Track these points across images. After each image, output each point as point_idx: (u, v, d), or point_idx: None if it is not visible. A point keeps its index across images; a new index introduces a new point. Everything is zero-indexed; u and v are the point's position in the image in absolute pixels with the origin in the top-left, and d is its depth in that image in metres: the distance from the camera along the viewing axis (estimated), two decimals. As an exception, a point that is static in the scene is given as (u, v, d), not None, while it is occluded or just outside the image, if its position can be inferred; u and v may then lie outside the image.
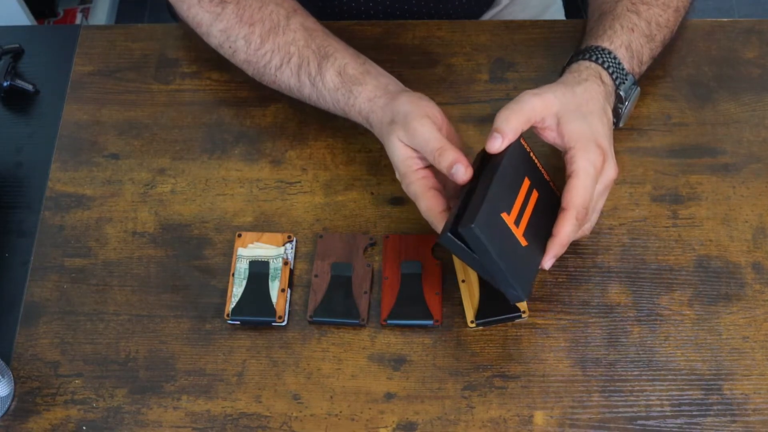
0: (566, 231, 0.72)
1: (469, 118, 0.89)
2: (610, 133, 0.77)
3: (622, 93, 0.81)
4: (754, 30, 0.93)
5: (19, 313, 0.82)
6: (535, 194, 0.74)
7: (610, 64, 0.80)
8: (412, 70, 0.92)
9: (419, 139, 0.74)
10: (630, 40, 0.82)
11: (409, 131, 0.75)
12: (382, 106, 0.79)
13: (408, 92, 0.79)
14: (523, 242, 0.71)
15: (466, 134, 0.88)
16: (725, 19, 0.94)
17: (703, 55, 0.91)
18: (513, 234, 0.71)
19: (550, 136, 0.75)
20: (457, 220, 0.70)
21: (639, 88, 0.84)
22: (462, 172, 0.72)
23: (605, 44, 0.81)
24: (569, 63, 0.82)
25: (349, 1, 1.00)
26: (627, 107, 0.83)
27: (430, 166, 0.76)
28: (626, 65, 0.81)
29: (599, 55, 0.80)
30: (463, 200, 0.71)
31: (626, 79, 0.81)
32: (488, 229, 0.68)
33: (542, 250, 0.73)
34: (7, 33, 0.99)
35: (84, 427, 0.76)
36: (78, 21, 1.94)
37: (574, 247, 0.81)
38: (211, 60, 0.92)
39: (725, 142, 0.86)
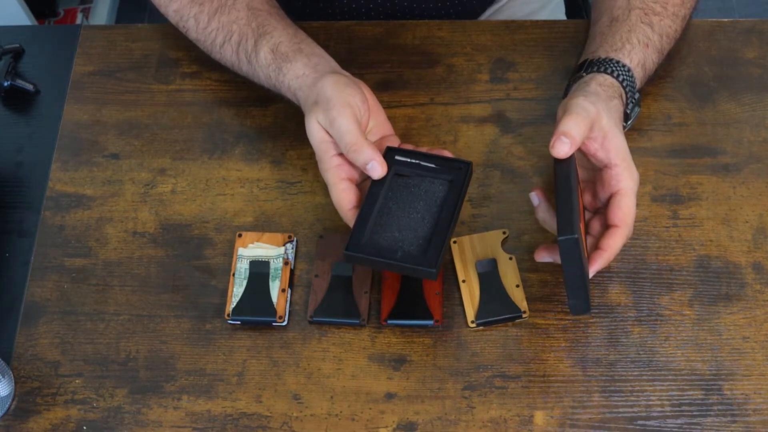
0: (618, 246, 0.73)
1: (470, 118, 0.89)
2: None
3: (629, 111, 0.81)
4: (754, 30, 0.93)
5: (20, 313, 0.82)
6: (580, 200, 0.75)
7: (628, 84, 0.80)
8: (412, 70, 0.92)
9: (335, 130, 0.75)
10: (645, 57, 0.82)
11: (328, 118, 0.75)
12: (309, 84, 0.79)
13: (335, 75, 0.79)
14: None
15: (467, 134, 0.88)
16: (725, 19, 0.94)
17: (704, 55, 0.91)
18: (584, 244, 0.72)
19: (592, 147, 0.74)
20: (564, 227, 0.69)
21: (640, 109, 0.84)
22: (378, 170, 0.74)
23: (626, 61, 0.80)
24: (590, 69, 0.80)
25: (350, 1, 1.00)
26: (628, 125, 0.83)
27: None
28: (638, 84, 0.81)
29: (621, 73, 0.79)
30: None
31: (634, 99, 0.81)
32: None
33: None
34: (7, 33, 0.99)
35: (84, 427, 0.76)
36: (78, 21, 1.94)
37: (575, 247, 0.81)
38: (211, 60, 0.92)
39: (725, 142, 0.86)
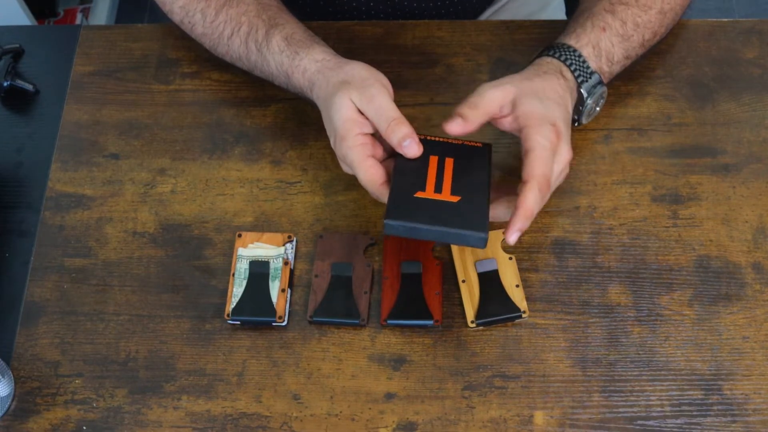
0: (529, 202, 0.71)
1: (469, 118, 0.89)
2: (568, 119, 0.78)
3: (583, 91, 0.81)
4: (754, 30, 0.93)
5: (19, 313, 0.82)
6: (449, 161, 0.76)
7: (573, 62, 0.80)
8: (412, 70, 0.92)
9: (375, 105, 0.74)
10: (599, 38, 0.82)
11: (366, 96, 0.75)
12: (331, 67, 0.79)
13: (359, 62, 0.80)
14: (454, 199, 0.73)
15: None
16: (725, 19, 0.94)
17: (704, 55, 0.91)
18: (438, 200, 0.72)
19: (506, 123, 0.77)
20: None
21: (605, 88, 0.83)
22: (414, 148, 0.74)
23: (571, 42, 0.82)
24: (539, 55, 0.82)
25: (350, 0, 1.00)
26: (588, 105, 0.82)
27: (370, 135, 0.76)
28: (593, 64, 0.81)
29: (562, 52, 0.81)
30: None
31: (590, 78, 0.81)
32: (406, 212, 0.71)
33: (481, 191, 0.74)
34: (7, 33, 0.99)
35: (84, 427, 0.76)
36: (78, 21, 1.94)
37: (575, 247, 0.81)
38: (211, 60, 0.92)
39: (725, 142, 0.86)
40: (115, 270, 0.83)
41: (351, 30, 0.95)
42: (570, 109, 0.79)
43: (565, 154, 0.75)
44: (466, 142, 0.78)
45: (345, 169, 0.78)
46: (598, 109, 0.85)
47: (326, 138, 0.89)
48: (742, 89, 0.89)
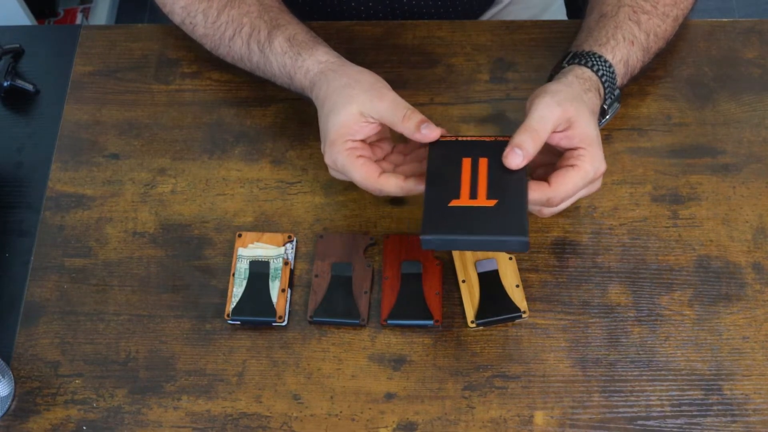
0: (534, 198, 0.73)
1: (470, 118, 0.89)
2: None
3: (606, 107, 0.82)
4: (754, 30, 0.93)
5: (19, 313, 0.82)
6: (483, 162, 0.74)
7: (607, 79, 0.80)
8: (412, 70, 0.92)
9: (387, 101, 0.75)
10: (629, 54, 0.82)
11: (376, 94, 0.75)
12: (335, 69, 0.80)
13: (364, 68, 0.80)
14: (490, 203, 0.70)
15: (467, 134, 0.88)
16: (725, 19, 0.94)
17: (704, 55, 0.91)
18: (474, 207, 0.70)
19: (555, 138, 0.74)
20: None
21: (619, 106, 0.84)
22: (433, 130, 0.74)
23: (608, 56, 0.81)
24: (572, 61, 0.81)
25: (350, 0, 1.00)
26: (604, 122, 0.84)
27: (360, 141, 0.76)
28: (618, 80, 0.81)
29: (600, 67, 0.80)
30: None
31: (613, 95, 0.82)
32: (441, 225, 0.70)
33: (518, 192, 0.71)
34: (7, 33, 0.99)
35: (84, 427, 0.76)
36: (78, 21, 1.94)
37: (575, 247, 0.81)
38: (211, 60, 0.92)
39: (725, 142, 0.86)
40: (115, 270, 0.83)
41: (351, 30, 0.95)
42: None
43: (601, 172, 0.75)
44: (499, 138, 0.76)
45: (336, 175, 0.79)
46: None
47: (326, 138, 0.89)
48: (742, 89, 0.89)
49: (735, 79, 0.90)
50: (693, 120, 0.88)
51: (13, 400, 0.77)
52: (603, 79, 0.80)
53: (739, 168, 0.85)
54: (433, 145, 0.76)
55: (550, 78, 0.84)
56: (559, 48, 0.92)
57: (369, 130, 0.77)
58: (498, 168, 0.73)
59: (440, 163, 0.74)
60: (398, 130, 0.75)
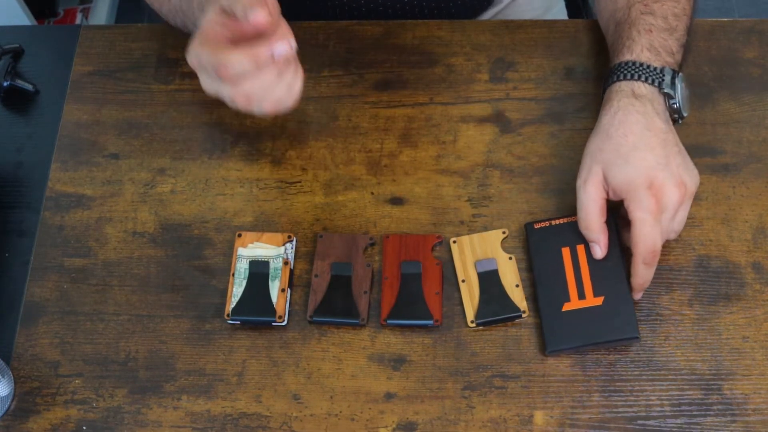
0: (638, 278, 0.75)
1: (469, 118, 0.89)
2: (663, 150, 0.75)
3: (665, 89, 0.79)
4: (754, 30, 0.93)
5: (19, 313, 0.82)
6: (580, 250, 0.78)
7: (641, 73, 0.79)
8: (412, 70, 0.92)
9: None
10: (650, 40, 0.81)
11: None
12: None
13: None
14: (599, 302, 0.76)
15: (466, 134, 0.88)
16: (725, 19, 0.93)
17: (703, 55, 0.91)
18: (585, 309, 0.76)
19: (610, 195, 0.76)
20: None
21: (681, 74, 0.81)
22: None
23: (627, 57, 0.80)
24: (606, 83, 0.81)
25: (350, 0, 1.00)
26: (679, 98, 0.80)
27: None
28: (657, 62, 0.80)
29: (626, 71, 0.79)
30: None
31: (664, 75, 0.79)
32: (562, 337, 0.76)
33: (623, 284, 0.76)
34: (7, 33, 0.99)
35: (84, 427, 0.76)
36: (78, 21, 1.95)
37: (574, 247, 0.81)
38: (211, 60, 0.92)
39: (725, 142, 0.86)
40: (115, 270, 0.83)
41: (351, 30, 0.95)
42: (661, 127, 0.77)
43: (673, 198, 0.74)
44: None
45: (205, 82, 0.76)
46: (690, 95, 0.83)
47: (326, 138, 0.89)
48: (742, 89, 0.89)
49: (735, 79, 0.90)
50: (693, 120, 0.88)
51: (13, 400, 0.77)
52: (635, 77, 0.78)
53: (738, 168, 0.85)
54: (530, 233, 0.80)
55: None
56: (558, 48, 0.92)
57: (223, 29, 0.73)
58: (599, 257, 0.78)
59: (543, 259, 0.79)
60: (235, 11, 0.72)
